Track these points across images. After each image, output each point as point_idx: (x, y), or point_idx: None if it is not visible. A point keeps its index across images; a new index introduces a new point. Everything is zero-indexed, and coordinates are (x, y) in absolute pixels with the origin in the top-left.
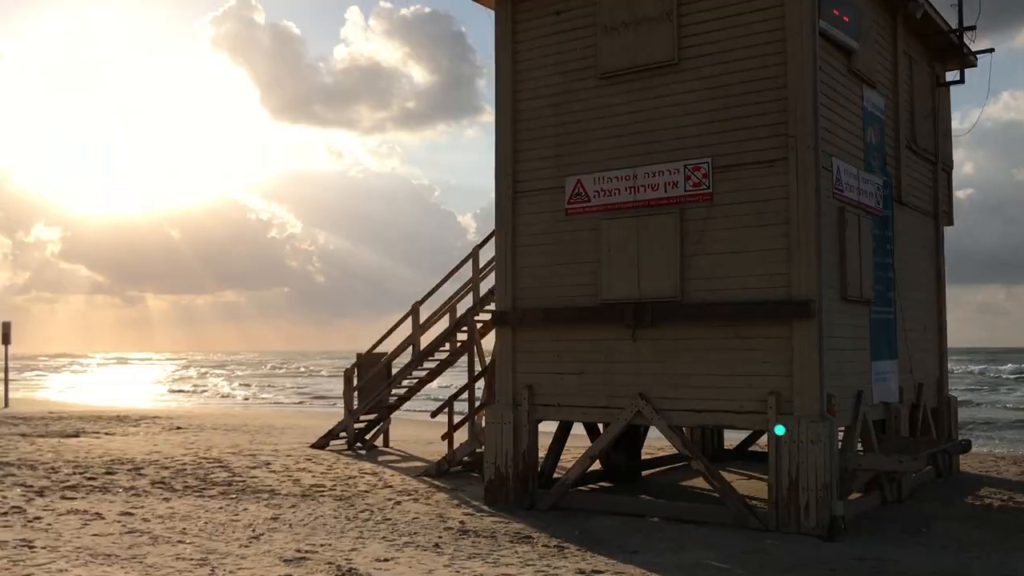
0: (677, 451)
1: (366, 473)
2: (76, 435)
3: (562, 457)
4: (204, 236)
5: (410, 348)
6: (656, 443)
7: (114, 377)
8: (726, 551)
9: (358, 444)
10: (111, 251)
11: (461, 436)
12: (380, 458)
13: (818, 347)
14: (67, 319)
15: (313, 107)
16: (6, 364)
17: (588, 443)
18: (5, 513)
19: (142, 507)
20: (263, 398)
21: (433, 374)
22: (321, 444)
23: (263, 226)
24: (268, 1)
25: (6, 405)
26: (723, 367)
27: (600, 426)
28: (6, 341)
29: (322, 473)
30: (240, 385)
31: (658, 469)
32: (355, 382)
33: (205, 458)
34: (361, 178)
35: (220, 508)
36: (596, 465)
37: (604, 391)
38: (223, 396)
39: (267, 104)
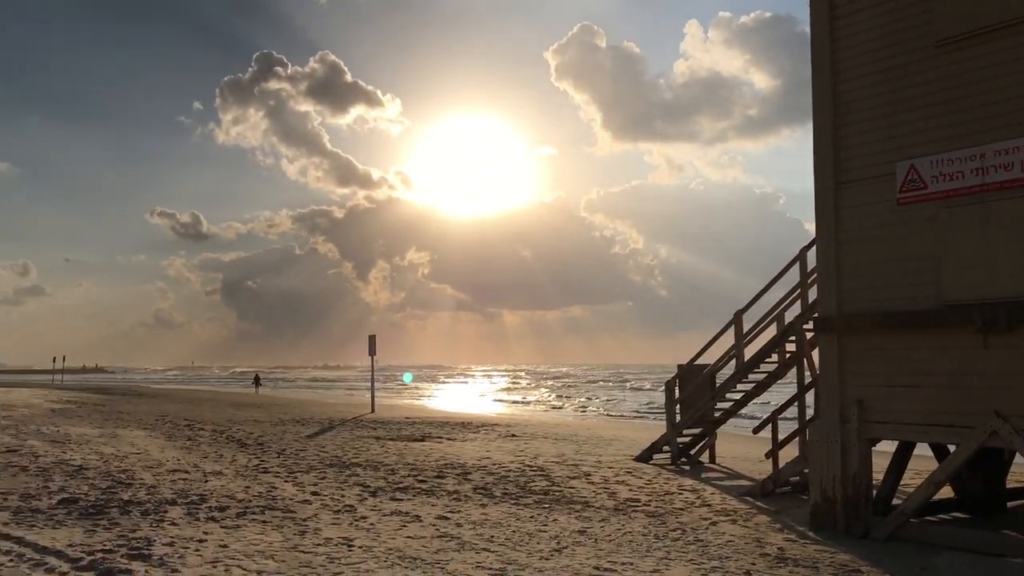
0: None
1: (685, 489)
2: (422, 439)
3: (905, 481)
4: (552, 255)
5: (734, 360)
6: None
7: (469, 386)
8: None
9: (682, 459)
10: (472, 272)
11: (791, 453)
12: (703, 474)
13: None
14: (436, 333)
15: (654, 123)
16: (372, 373)
17: (935, 464)
18: (339, 511)
19: (459, 512)
20: (597, 409)
21: (761, 387)
22: (644, 457)
23: (607, 243)
24: (609, 24)
25: (373, 410)
26: None
27: (951, 447)
28: (372, 352)
29: (639, 487)
30: (577, 396)
31: None
32: (676, 394)
33: (530, 466)
34: (702, 190)
35: (531, 517)
36: (946, 491)
37: (949, 407)
38: (559, 407)
39: (609, 125)
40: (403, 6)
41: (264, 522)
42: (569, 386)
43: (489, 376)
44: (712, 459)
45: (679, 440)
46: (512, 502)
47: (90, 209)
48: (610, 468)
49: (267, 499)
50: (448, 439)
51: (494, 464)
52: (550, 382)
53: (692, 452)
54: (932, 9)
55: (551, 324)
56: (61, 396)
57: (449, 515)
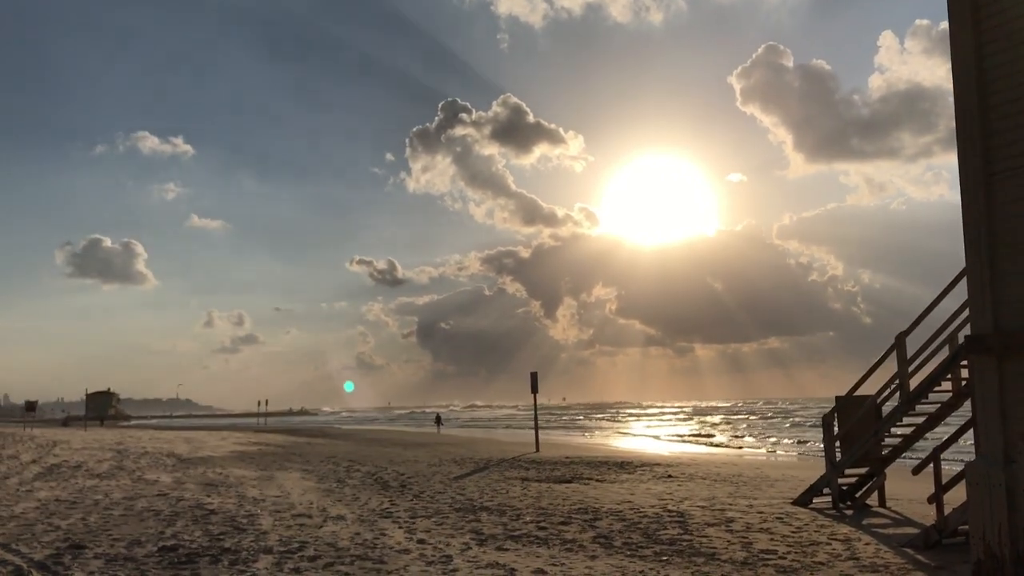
0: None
1: (835, 539)
2: (569, 481)
3: None
4: (745, 285)
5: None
6: None
7: (648, 423)
8: None
9: (846, 502)
10: (660, 305)
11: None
12: (865, 520)
13: None
14: (625, 370)
15: (850, 142)
16: (535, 411)
17: None
18: (432, 562)
19: (562, 564)
20: (775, 446)
21: (934, 419)
22: (803, 500)
23: (803, 270)
24: (795, 43)
25: (537, 449)
26: None
27: None
28: (535, 390)
29: (784, 536)
30: (759, 431)
31: None
32: (835, 430)
33: (670, 511)
34: (904, 210)
35: (640, 572)
36: None
37: None
38: (734, 444)
39: (801, 147)
40: (582, 42)
41: (347, 574)
42: (754, 422)
43: (671, 412)
44: (882, 502)
45: (841, 481)
46: (628, 554)
47: (296, 260)
48: (760, 513)
49: (367, 547)
50: (597, 480)
51: (631, 509)
52: (734, 417)
53: (857, 494)
54: None
55: (747, 357)
56: (252, 439)
57: (549, 568)
